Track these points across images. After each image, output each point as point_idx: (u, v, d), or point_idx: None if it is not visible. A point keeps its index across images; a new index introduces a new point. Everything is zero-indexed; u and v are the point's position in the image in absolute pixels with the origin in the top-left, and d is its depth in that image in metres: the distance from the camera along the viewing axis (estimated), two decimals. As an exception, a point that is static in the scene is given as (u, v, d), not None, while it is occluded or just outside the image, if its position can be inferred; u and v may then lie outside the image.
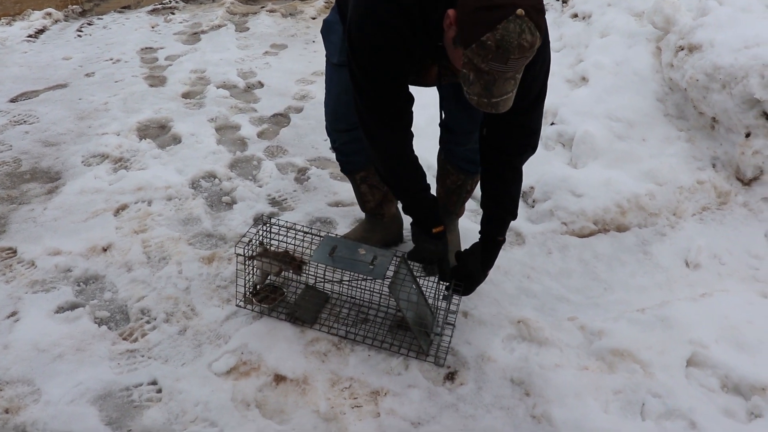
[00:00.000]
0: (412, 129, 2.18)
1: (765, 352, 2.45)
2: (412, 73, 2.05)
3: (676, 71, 3.55)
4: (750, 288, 2.84)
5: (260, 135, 4.15)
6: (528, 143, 2.18)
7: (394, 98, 2.06)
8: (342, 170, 2.83)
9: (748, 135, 3.20)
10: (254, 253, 2.51)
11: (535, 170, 3.44)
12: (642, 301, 2.77)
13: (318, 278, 2.55)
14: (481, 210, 2.39)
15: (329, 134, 2.70)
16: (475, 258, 2.36)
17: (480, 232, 2.36)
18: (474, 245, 2.38)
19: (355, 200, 3.29)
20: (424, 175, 2.29)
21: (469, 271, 2.36)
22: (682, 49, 3.53)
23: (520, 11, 1.62)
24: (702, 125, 3.45)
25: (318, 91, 4.82)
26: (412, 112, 2.14)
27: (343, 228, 3.15)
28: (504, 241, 2.37)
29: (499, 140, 2.18)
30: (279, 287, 2.64)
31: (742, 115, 3.19)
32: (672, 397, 2.26)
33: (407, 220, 2.47)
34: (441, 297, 2.45)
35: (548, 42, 2.01)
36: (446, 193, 2.83)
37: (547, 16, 1.96)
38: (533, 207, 3.38)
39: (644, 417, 2.22)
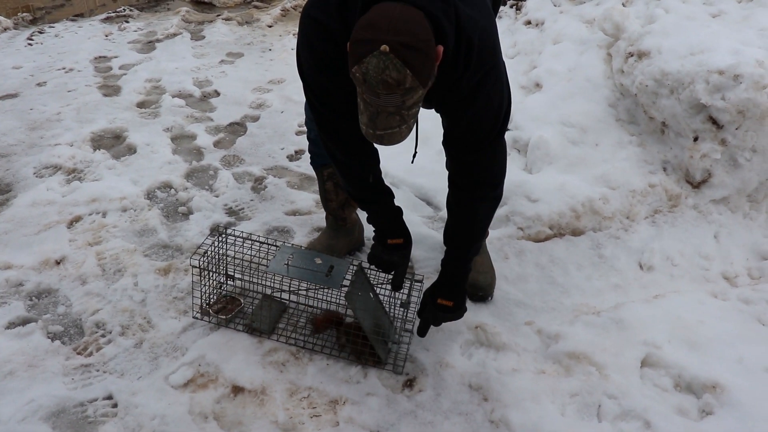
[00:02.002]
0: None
1: (715, 351, 2.49)
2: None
3: (627, 77, 3.61)
4: (701, 288, 2.89)
5: (216, 144, 4.12)
6: (481, 181, 2.15)
7: (349, 123, 2.03)
8: (311, 162, 2.84)
9: (696, 139, 3.26)
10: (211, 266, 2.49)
11: None
12: (597, 303, 2.80)
13: (275, 288, 2.54)
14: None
15: (306, 124, 2.72)
16: (432, 296, 2.35)
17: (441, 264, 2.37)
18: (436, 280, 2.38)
19: (313, 209, 3.35)
20: (386, 190, 2.32)
21: (426, 315, 2.37)
22: (632, 56, 3.60)
23: (384, 47, 1.59)
24: (652, 130, 3.50)
25: (274, 99, 4.80)
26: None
27: (300, 237, 3.14)
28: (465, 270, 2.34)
29: (453, 177, 2.20)
30: (236, 298, 2.63)
31: (690, 119, 3.25)
32: (627, 398, 2.28)
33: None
34: (399, 304, 2.46)
35: (497, 77, 1.98)
36: None
37: (500, 23, 1.97)
38: None
39: (600, 419, 2.24)
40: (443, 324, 2.46)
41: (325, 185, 2.85)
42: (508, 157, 3.61)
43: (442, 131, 2.14)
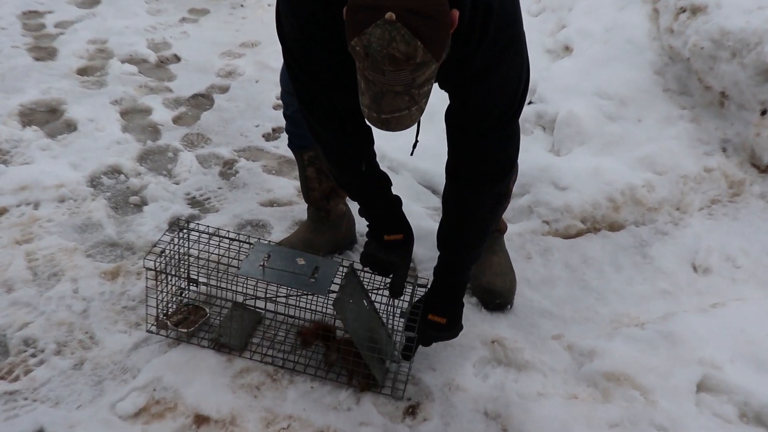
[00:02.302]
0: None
1: (789, 372, 2.49)
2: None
3: (677, 38, 3.60)
4: (770, 295, 2.89)
5: (176, 120, 4.11)
6: (488, 172, 2.18)
7: (338, 96, 2.07)
8: (289, 145, 2.87)
9: (763, 113, 3.25)
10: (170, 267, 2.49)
11: None
12: (641, 313, 2.80)
13: (248, 295, 2.54)
14: None
15: (282, 98, 2.76)
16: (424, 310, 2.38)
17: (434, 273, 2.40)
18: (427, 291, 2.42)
19: (294, 199, 3.36)
20: (382, 176, 2.35)
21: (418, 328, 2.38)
22: (684, 11, 3.59)
23: (389, 15, 1.58)
24: (709, 102, 3.49)
25: (247, 66, 4.80)
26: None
27: (279, 233, 3.13)
28: (462, 283, 2.39)
29: (454, 165, 2.22)
30: (200, 307, 2.63)
31: (757, 88, 3.24)
32: (680, 430, 2.28)
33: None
34: (398, 314, 2.45)
35: (517, 50, 2.01)
36: None
37: None
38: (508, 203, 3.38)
39: None
40: (453, 340, 2.47)
41: (305, 171, 2.87)
42: (530, 137, 3.68)
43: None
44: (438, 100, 2.12)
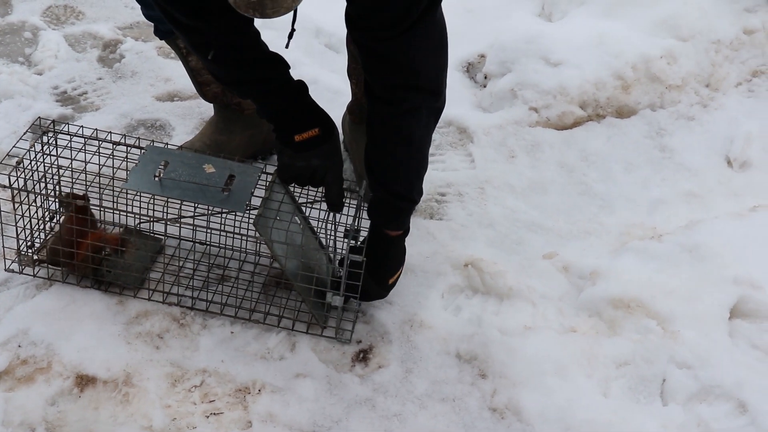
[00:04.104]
0: None
1: None
2: None
3: None
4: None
5: (33, -13, 4.00)
6: (404, 85, 2.20)
7: None
8: (156, 33, 2.88)
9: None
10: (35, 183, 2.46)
11: (487, 28, 3.45)
12: (659, 222, 2.82)
13: (142, 216, 2.51)
14: None
15: None
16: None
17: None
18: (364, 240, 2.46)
19: None
20: (273, 59, 2.32)
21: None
22: None
23: None
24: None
25: None
26: None
27: (183, 135, 3.13)
28: (401, 236, 2.44)
29: (367, 78, 2.26)
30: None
31: None
32: (709, 368, 2.31)
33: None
34: (343, 233, 2.42)
35: None
36: None
37: None
38: (485, 87, 3.39)
39: (666, 400, 2.27)
40: (415, 260, 2.50)
41: (189, 63, 2.89)
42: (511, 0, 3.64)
43: None
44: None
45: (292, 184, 2.45)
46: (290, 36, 2.21)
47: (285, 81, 2.32)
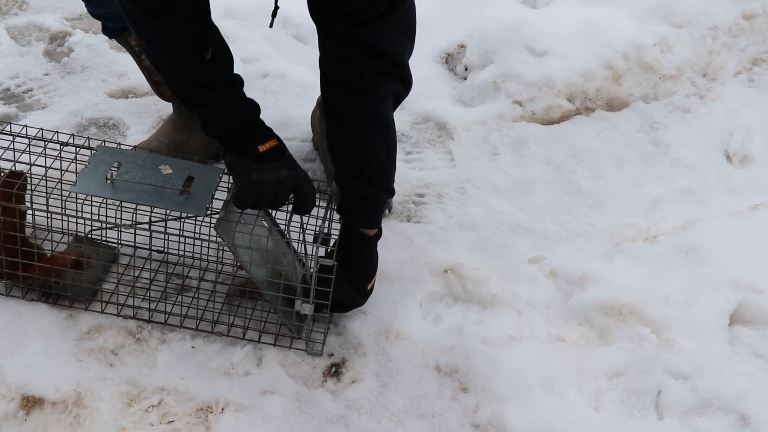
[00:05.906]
0: None
1: None
2: None
3: None
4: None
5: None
6: (375, 70, 2.26)
7: None
8: (105, 32, 2.90)
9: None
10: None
11: (466, 16, 3.47)
12: (653, 223, 2.85)
13: (93, 222, 2.46)
14: None
15: None
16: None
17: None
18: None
19: None
20: (235, 76, 2.33)
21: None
22: None
23: None
24: None
25: None
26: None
27: (139, 135, 3.11)
28: (375, 236, 2.46)
29: (335, 68, 2.31)
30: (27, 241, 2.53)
31: None
32: (708, 378, 2.29)
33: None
34: (313, 238, 2.39)
35: None
36: None
37: None
38: (465, 79, 3.41)
39: (662, 413, 2.26)
40: (391, 267, 2.56)
41: (142, 61, 2.90)
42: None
43: None
44: None
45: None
46: (274, 14, 2.26)
47: (243, 95, 2.36)
